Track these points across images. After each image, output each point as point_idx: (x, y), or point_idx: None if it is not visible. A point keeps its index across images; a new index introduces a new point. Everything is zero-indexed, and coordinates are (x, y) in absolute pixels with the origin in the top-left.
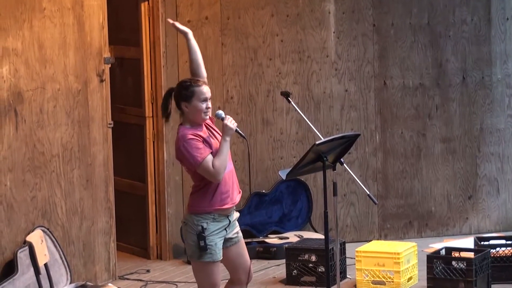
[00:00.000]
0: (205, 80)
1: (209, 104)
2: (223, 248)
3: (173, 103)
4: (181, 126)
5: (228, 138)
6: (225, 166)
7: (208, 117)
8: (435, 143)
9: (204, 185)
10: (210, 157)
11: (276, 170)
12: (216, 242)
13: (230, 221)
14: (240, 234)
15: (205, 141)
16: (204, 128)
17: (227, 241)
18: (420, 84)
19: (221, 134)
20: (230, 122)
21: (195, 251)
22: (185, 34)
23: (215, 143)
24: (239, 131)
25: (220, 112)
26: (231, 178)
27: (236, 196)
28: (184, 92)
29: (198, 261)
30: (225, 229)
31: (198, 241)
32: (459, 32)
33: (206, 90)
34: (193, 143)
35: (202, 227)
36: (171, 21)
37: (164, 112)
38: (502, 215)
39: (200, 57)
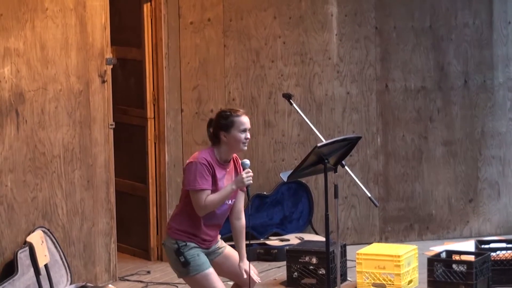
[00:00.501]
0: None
1: (248, 135)
2: (210, 261)
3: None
4: (210, 148)
5: (234, 188)
6: (214, 208)
7: (246, 147)
8: (436, 146)
9: (189, 210)
10: (208, 192)
11: (277, 172)
12: (197, 253)
13: (209, 248)
14: (224, 246)
15: (213, 176)
16: (228, 167)
17: (210, 255)
18: (422, 87)
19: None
20: (247, 176)
21: (179, 268)
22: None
23: (221, 186)
24: (248, 191)
25: (247, 162)
26: (219, 220)
27: (214, 242)
28: (223, 121)
29: (187, 277)
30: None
31: (178, 258)
32: (461, 35)
33: (246, 120)
34: (203, 170)
35: (178, 244)
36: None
37: (211, 139)
38: (503, 218)
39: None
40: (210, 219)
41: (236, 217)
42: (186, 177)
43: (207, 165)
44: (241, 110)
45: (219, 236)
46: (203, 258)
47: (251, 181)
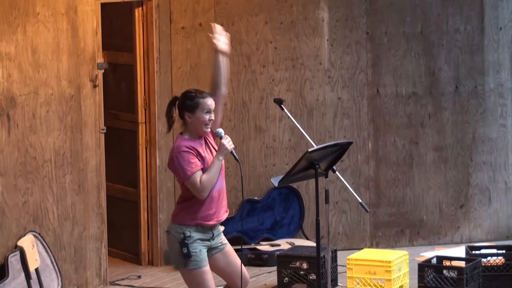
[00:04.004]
0: (224, 95)
1: (212, 116)
2: (209, 257)
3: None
4: (180, 136)
5: (221, 158)
6: (212, 184)
7: (209, 129)
8: (427, 152)
9: (192, 197)
10: (199, 172)
11: (268, 177)
12: (200, 249)
13: (213, 234)
14: (226, 242)
15: (199, 155)
16: (203, 141)
17: (212, 249)
18: (413, 92)
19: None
20: (228, 142)
21: (179, 259)
22: (224, 53)
23: (209, 159)
24: (234, 154)
25: (220, 130)
26: (220, 196)
27: (222, 214)
28: (188, 102)
29: (185, 269)
30: (208, 239)
31: (181, 249)
32: (452, 41)
33: (210, 102)
34: (186, 156)
35: (185, 234)
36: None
37: (168, 121)
38: (493, 224)
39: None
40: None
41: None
42: (175, 172)
43: (187, 149)
44: (206, 92)
45: (226, 214)
46: (204, 255)
47: (233, 145)
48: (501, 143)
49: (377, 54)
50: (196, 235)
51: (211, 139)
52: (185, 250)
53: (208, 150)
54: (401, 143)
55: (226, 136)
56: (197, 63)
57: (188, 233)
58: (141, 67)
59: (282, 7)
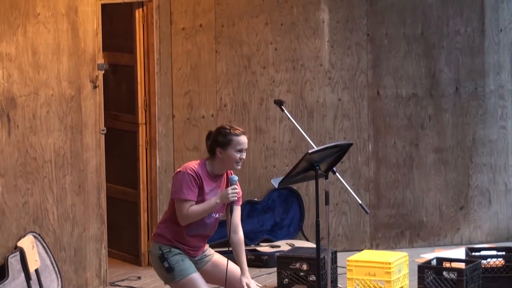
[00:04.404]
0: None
1: (244, 155)
2: (198, 270)
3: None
4: (203, 161)
5: (219, 202)
6: (196, 219)
7: (239, 167)
8: (427, 153)
9: (174, 219)
10: (192, 203)
11: (268, 179)
12: (182, 259)
13: (194, 258)
14: (212, 253)
15: (201, 188)
16: (220, 179)
17: (197, 263)
18: (413, 94)
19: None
20: (231, 192)
21: (164, 275)
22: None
23: (210, 197)
24: (232, 205)
25: (235, 177)
26: (205, 231)
27: (199, 252)
28: (221, 138)
29: (174, 282)
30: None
31: (162, 264)
32: (453, 42)
33: (244, 140)
34: (189, 180)
35: (162, 249)
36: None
37: (209, 153)
38: (493, 226)
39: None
40: (195, 229)
41: (233, 230)
42: (173, 185)
43: (195, 176)
44: (240, 129)
45: (206, 246)
46: (188, 263)
47: (236, 198)
48: (501, 145)
49: (377, 56)
50: (175, 250)
51: (225, 181)
52: (166, 264)
53: (216, 189)
54: (401, 144)
55: (236, 186)
56: (197, 64)
57: (166, 248)
58: (142, 68)
59: (283, 8)
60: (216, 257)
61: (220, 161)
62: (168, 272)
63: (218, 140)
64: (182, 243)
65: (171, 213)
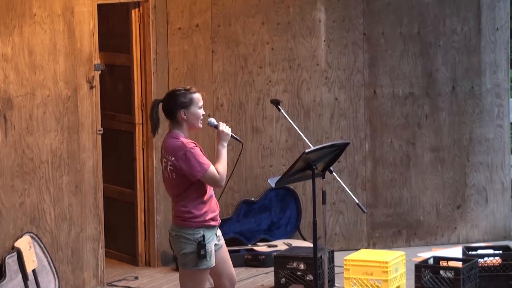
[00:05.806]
0: None
1: (203, 111)
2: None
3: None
4: (176, 133)
5: (225, 144)
6: (225, 172)
7: (201, 125)
8: (424, 152)
9: (196, 198)
10: (212, 166)
11: (265, 178)
12: (212, 248)
13: (217, 233)
14: (223, 240)
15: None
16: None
17: (216, 244)
18: (409, 93)
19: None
20: (225, 127)
21: (192, 259)
22: None
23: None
24: (234, 136)
25: (212, 120)
26: (213, 196)
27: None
28: (182, 99)
29: (193, 269)
30: (215, 234)
31: (198, 250)
32: (449, 42)
33: (200, 97)
34: (197, 152)
35: (203, 236)
36: None
37: (154, 125)
38: (490, 224)
39: None
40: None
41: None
42: (188, 168)
43: (195, 145)
44: (193, 87)
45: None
46: (214, 253)
47: (230, 128)
48: (498, 143)
49: (374, 55)
50: (208, 233)
51: None
52: (202, 252)
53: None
54: (398, 143)
55: (220, 122)
56: (194, 64)
57: (204, 233)
58: (138, 68)
59: (279, 8)
60: (224, 247)
61: (186, 123)
62: (200, 259)
63: (180, 102)
64: (211, 211)
65: (186, 191)
